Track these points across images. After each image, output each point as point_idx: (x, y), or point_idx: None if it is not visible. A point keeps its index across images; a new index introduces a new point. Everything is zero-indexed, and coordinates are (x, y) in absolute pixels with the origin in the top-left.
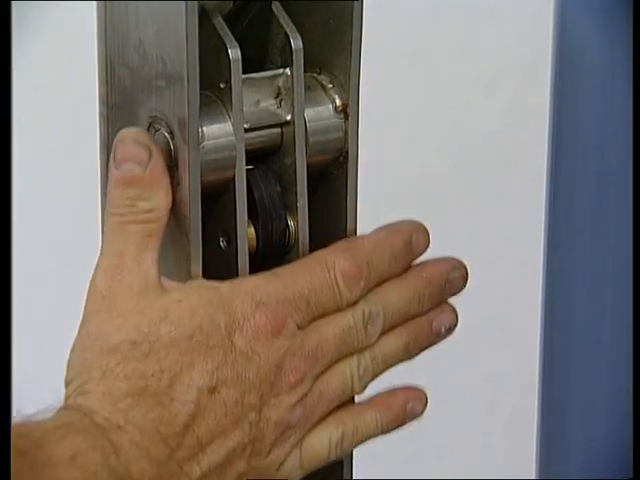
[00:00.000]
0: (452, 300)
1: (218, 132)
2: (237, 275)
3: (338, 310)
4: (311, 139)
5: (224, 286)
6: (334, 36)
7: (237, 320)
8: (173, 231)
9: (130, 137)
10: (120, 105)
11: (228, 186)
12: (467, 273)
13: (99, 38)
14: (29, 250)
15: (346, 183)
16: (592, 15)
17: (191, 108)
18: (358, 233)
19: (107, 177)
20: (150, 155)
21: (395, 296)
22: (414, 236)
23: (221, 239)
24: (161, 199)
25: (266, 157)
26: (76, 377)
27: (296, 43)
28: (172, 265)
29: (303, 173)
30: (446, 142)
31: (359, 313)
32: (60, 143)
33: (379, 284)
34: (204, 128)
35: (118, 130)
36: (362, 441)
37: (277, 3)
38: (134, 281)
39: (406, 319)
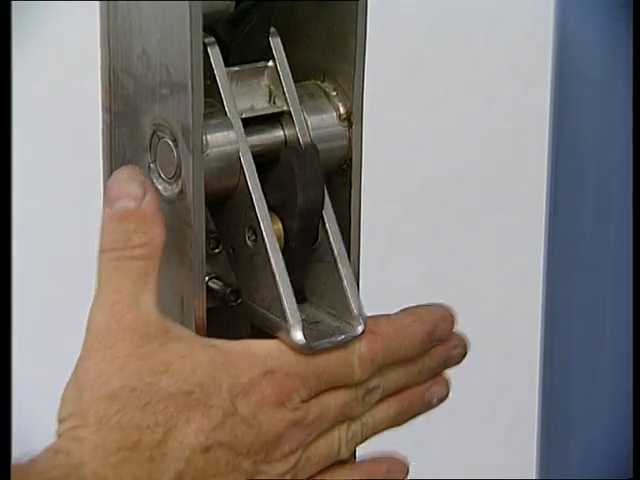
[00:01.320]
0: (455, 310)
1: (222, 140)
2: (271, 267)
3: (345, 386)
4: None
5: (234, 347)
6: (338, 44)
7: (242, 384)
8: (177, 239)
9: (124, 175)
10: (123, 113)
11: (241, 184)
12: (467, 350)
13: (102, 46)
14: (30, 258)
15: (350, 190)
16: (592, 23)
17: (195, 116)
18: (361, 241)
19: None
20: (144, 191)
21: (398, 372)
22: (439, 325)
23: (248, 241)
24: (156, 234)
25: (271, 167)
26: (70, 417)
27: (274, 40)
28: (175, 273)
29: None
30: (447, 148)
31: (362, 389)
32: (63, 151)
33: (388, 371)
34: (208, 136)
35: (122, 138)
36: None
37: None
38: (135, 322)
39: (401, 389)
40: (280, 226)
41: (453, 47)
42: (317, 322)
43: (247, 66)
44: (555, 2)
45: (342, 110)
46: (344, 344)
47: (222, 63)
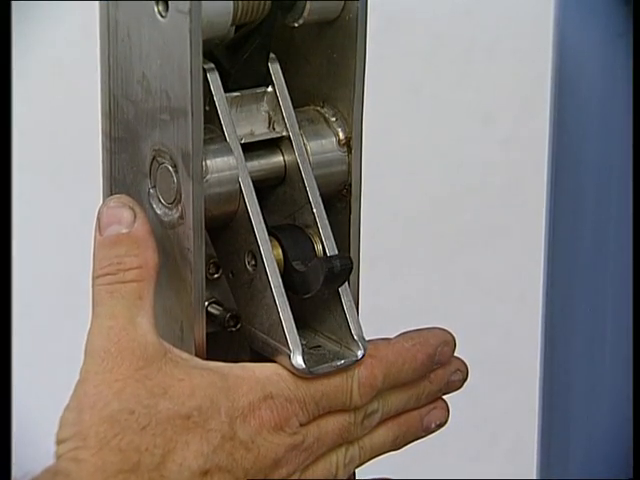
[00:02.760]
0: (454, 334)
1: (222, 165)
2: (271, 291)
3: (344, 410)
4: (314, 172)
5: (233, 370)
6: (337, 70)
7: (241, 408)
8: (176, 264)
9: (114, 201)
10: (123, 138)
11: (241, 209)
12: (467, 375)
13: (102, 71)
14: (30, 277)
15: (349, 215)
16: (592, 48)
17: (195, 142)
18: (360, 266)
19: None
20: (135, 216)
21: (397, 396)
22: (439, 349)
23: (248, 266)
24: (148, 257)
25: (272, 190)
26: (70, 438)
27: (273, 66)
28: (174, 298)
29: (313, 184)
30: (447, 173)
31: (361, 413)
32: (63, 177)
33: (386, 395)
34: (208, 161)
35: (122, 163)
36: None
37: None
38: (133, 345)
39: (400, 413)
40: (279, 251)
41: (452, 72)
42: (317, 347)
43: (247, 91)
44: (554, 27)
45: (341, 135)
46: (344, 369)
47: (222, 89)
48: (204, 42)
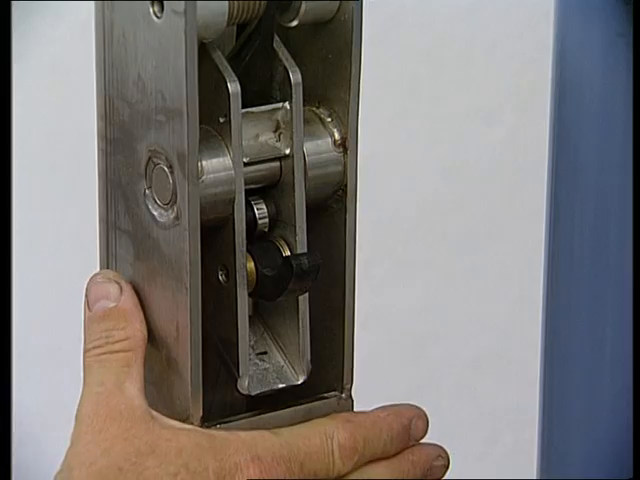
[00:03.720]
0: (455, 334)
1: (217, 166)
2: (236, 311)
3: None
4: (310, 173)
5: (219, 433)
6: (333, 70)
7: (229, 468)
8: (172, 264)
9: (100, 276)
10: (119, 139)
11: (227, 219)
12: (449, 463)
13: (98, 73)
14: (29, 279)
15: (345, 217)
16: (592, 48)
17: (190, 142)
18: (356, 267)
19: (106, 211)
20: (121, 290)
21: (381, 474)
22: (414, 422)
23: (220, 273)
24: (135, 329)
25: (265, 191)
26: None
27: (295, 77)
28: (170, 298)
29: (302, 207)
30: (445, 175)
31: None
32: (59, 178)
33: (370, 462)
34: (203, 162)
35: (117, 164)
36: None
37: (278, 39)
38: (121, 406)
39: None
40: (252, 265)
41: (451, 73)
42: (264, 353)
43: (264, 107)
44: (554, 27)
45: (337, 136)
46: (324, 430)
47: (240, 105)
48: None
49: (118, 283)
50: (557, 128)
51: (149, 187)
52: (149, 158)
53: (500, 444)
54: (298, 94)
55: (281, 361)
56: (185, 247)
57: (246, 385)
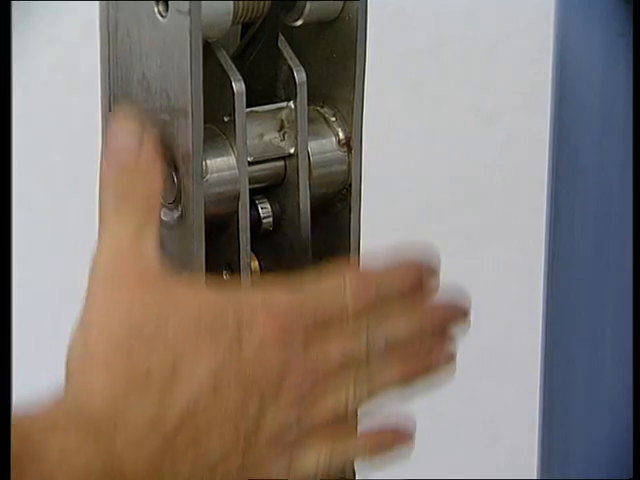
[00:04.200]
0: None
1: (222, 165)
2: None
3: (343, 326)
4: (314, 172)
5: (234, 288)
6: (337, 70)
7: (246, 322)
8: (177, 263)
9: (122, 126)
10: None
11: (232, 218)
12: (469, 315)
13: (102, 72)
14: (30, 270)
15: (349, 216)
16: (592, 48)
17: (195, 141)
18: (360, 266)
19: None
20: (141, 142)
21: (400, 328)
22: (425, 262)
23: (224, 272)
24: (155, 184)
25: (269, 190)
26: (78, 365)
27: (300, 76)
28: None
29: (306, 206)
30: (448, 174)
31: (363, 340)
32: (59, 178)
33: (385, 314)
34: (208, 161)
35: None
36: (349, 461)
37: (282, 38)
38: (138, 266)
39: (407, 351)
40: (257, 264)
41: (452, 72)
42: None
43: (268, 107)
44: (555, 27)
45: (341, 135)
46: (334, 269)
47: (244, 104)
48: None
49: (139, 135)
50: (557, 128)
51: None
52: None
53: (500, 444)
54: (303, 93)
55: None
56: (189, 246)
57: None
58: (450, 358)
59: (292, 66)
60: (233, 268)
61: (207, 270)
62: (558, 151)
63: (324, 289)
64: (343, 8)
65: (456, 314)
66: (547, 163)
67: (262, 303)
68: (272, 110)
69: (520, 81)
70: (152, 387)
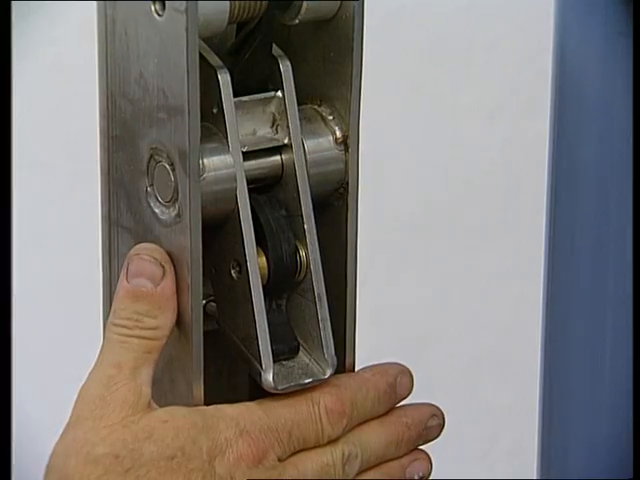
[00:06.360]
0: (455, 334)
1: (219, 164)
2: (252, 303)
3: (318, 445)
4: (311, 170)
5: (209, 410)
6: (334, 68)
7: (220, 445)
8: (174, 262)
9: (147, 252)
10: (121, 137)
11: (233, 215)
12: (444, 422)
13: (100, 70)
14: (30, 277)
15: (346, 215)
16: (592, 48)
17: (192, 140)
18: (358, 265)
19: (108, 208)
20: (164, 274)
21: (375, 439)
22: (399, 379)
23: (232, 270)
24: (167, 319)
25: (268, 188)
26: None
27: (284, 64)
28: None
29: (307, 195)
30: (446, 174)
31: (339, 453)
32: (59, 178)
33: (360, 424)
34: (205, 160)
35: (119, 162)
36: None
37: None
38: (129, 394)
39: (382, 461)
40: (264, 259)
41: (452, 72)
42: (292, 365)
43: (256, 96)
44: (555, 27)
45: (338, 134)
46: (310, 396)
47: (231, 93)
48: (210, 43)
49: (163, 267)
50: (557, 127)
51: (151, 184)
52: (151, 156)
53: (500, 444)
54: (289, 81)
55: (306, 360)
56: (187, 244)
57: (271, 379)
58: (426, 472)
59: (275, 56)
60: (241, 264)
61: (215, 268)
62: (558, 151)
63: (299, 416)
64: (340, 7)
65: (430, 421)
66: (547, 163)
67: (237, 427)
68: (260, 100)
69: (520, 81)
70: None
